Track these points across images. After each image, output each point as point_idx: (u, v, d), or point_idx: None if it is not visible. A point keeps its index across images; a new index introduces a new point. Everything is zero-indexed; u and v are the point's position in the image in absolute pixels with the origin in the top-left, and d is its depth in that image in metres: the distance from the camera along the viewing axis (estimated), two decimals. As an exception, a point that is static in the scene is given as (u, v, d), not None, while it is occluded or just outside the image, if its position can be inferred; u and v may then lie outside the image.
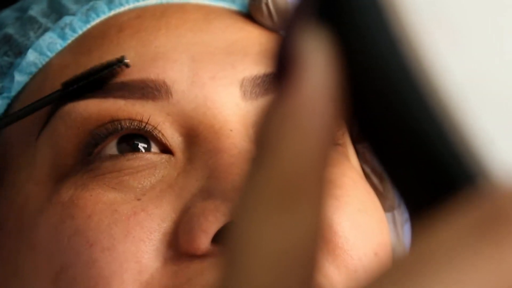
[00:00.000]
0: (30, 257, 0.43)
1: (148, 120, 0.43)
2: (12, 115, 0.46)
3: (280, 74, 0.22)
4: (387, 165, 0.22)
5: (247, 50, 0.46)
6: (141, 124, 0.43)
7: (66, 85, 0.45)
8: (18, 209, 0.45)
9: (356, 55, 0.22)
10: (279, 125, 0.22)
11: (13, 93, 0.48)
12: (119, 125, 0.43)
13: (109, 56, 0.45)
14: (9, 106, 0.48)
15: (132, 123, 0.43)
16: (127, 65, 0.44)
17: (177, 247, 0.40)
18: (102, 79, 0.44)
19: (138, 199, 0.41)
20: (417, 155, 0.21)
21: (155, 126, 0.43)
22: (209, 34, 0.46)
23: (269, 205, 0.22)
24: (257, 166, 0.22)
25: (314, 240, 0.22)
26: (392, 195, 0.49)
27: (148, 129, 0.43)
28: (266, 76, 0.45)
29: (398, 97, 0.21)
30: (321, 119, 0.22)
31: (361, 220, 0.44)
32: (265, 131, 0.22)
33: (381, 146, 0.22)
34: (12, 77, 0.48)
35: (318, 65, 0.22)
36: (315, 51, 0.22)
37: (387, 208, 0.50)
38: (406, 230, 0.53)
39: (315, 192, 0.22)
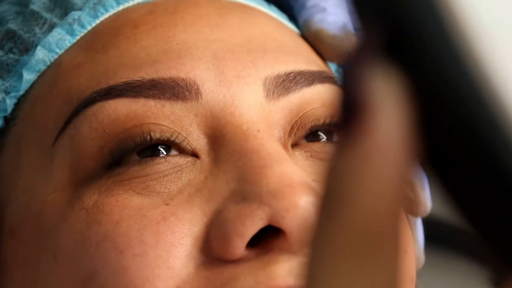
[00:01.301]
0: (53, 265, 0.42)
1: (175, 126, 0.42)
2: None
3: (348, 119, 0.21)
4: (468, 208, 0.21)
5: (265, 47, 0.45)
6: (173, 136, 0.42)
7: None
8: (35, 215, 0.43)
9: (430, 90, 0.21)
10: (352, 171, 0.21)
11: (22, 92, 0.46)
12: (148, 136, 0.42)
13: (129, 54, 0.44)
14: (16, 105, 0.47)
15: (162, 135, 0.42)
16: None
17: (210, 252, 0.39)
18: None
19: (167, 204, 0.40)
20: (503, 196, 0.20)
21: (180, 131, 0.42)
22: (225, 30, 0.45)
23: (347, 254, 0.21)
24: (332, 214, 0.21)
25: None
26: (424, 199, 0.49)
27: (175, 141, 0.42)
28: (287, 75, 0.44)
29: (478, 134, 0.20)
30: (397, 164, 0.21)
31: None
32: (336, 178, 0.21)
33: (463, 189, 0.21)
34: (20, 75, 0.46)
35: (390, 108, 0.21)
36: (385, 94, 0.21)
37: (420, 213, 0.50)
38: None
39: (393, 239, 0.21)
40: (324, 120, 0.45)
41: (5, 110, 0.46)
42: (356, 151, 0.21)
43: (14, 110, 0.46)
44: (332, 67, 0.51)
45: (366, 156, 0.21)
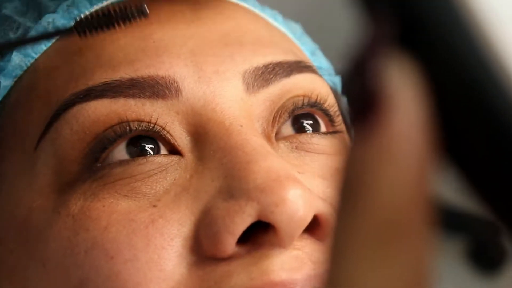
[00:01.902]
0: (42, 273, 0.41)
1: (157, 121, 0.42)
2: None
3: (365, 110, 0.21)
4: (487, 196, 0.21)
5: (241, 40, 0.45)
6: (150, 125, 0.42)
7: (79, 21, 0.40)
8: (19, 222, 0.43)
9: (447, 79, 0.21)
10: (372, 162, 0.21)
11: (0, 98, 0.46)
12: (128, 127, 0.41)
13: (106, 54, 0.43)
14: None
15: (141, 125, 0.41)
16: (145, 15, 0.40)
17: (201, 251, 0.39)
18: (117, 22, 0.40)
19: (154, 206, 0.40)
20: None
21: (163, 126, 0.42)
22: (201, 25, 0.45)
23: (370, 245, 0.21)
24: (353, 205, 0.21)
25: (419, 280, 0.21)
26: None
27: (156, 130, 0.42)
28: (265, 67, 0.44)
29: (498, 120, 0.20)
30: (417, 153, 0.21)
31: None
32: (357, 169, 0.21)
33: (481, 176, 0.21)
34: None
35: (407, 98, 0.21)
36: (401, 84, 0.21)
37: None
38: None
39: (416, 229, 0.21)
40: (303, 102, 0.45)
41: None
42: (375, 142, 0.21)
43: None
44: (308, 54, 0.51)
45: (386, 146, 0.21)
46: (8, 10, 0.48)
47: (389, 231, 0.21)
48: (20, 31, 0.46)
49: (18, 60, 0.46)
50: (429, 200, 0.21)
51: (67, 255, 0.40)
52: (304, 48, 0.51)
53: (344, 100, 0.52)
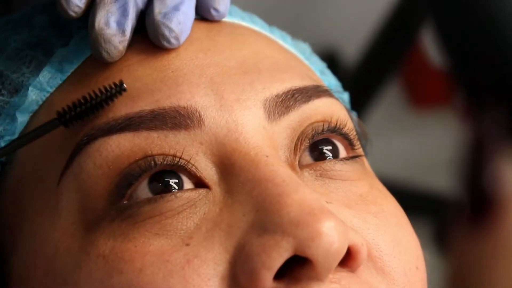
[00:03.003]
0: None
1: (182, 154, 0.41)
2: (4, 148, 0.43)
3: (480, 208, 0.21)
4: None
5: (259, 66, 0.44)
6: (175, 160, 0.41)
7: (62, 113, 0.42)
8: (45, 262, 0.42)
9: None
10: (490, 258, 0.21)
11: (16, 135, 0.45)
12: (153, 162, 0.41)
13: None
14: None
15: (166, 159, 0.41)
16: (125, 90, 0.41)
17: None
18: (100, 105, 0.41)
19: (187, 244, 0.39)
20: None
21: (188, 159, 0.41)
22: (218, 53, 0.45)
23: None
24: None
25: None
26: None
27: (181, 164, 0.41)
28: (285, 94, 0.44)
29: None
30: None
31: (400, 235, 0.43)
32: (472, 263, 0.21)
33: None
34: (13, 118, 0.45)
35: None
36: None
37: None
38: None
39: None
40: (323, 127, 0.45)
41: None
42: (493, 239, 0.21)
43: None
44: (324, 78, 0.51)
45: (503, 243, 0.21)
46: (17, 43, 0.46)
47: None
48: (33, 65, 0.45)
49: (34, 95, 0.45)
50: None
51: None
52: (314, 67, 0.51)
53: (353, 116, 0.52)
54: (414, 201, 1.66)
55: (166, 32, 0.43)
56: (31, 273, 0.42)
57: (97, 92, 0.42)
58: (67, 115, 0.42)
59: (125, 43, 0.44)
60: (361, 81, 1.48)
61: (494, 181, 0.21)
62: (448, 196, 1.76)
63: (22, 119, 0.45)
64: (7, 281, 0.44)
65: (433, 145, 1.93)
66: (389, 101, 1.88)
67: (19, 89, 0.45)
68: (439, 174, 1.88)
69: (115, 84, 0.41)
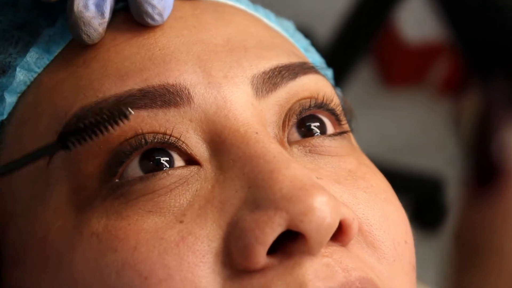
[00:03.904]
0: None
1: (172, 131, 0.41)
2: (6, 166, 0.42)
3: (489, 177, 0.22)
4: None
5: (245, 45, 0.45)
6: (165, 137, 0.41)
7: (63, 135, 0.40)
8: (38, 243, 0.42)
9: None
10: (498, 226, 0.21)
11: (5, 115, 0.45)
12: (143, 139, 0.41)
13: (112, 64, 0.43)
14: (0, 129, 0.45)
15: (156, 137, 0.41)
16: (127, 118, 0.40)
17: (233, 265, 0.39)
18: (105, 128, 0.40)
19: (181, 221, 0.40)
20: None
21: (179, 137, 0.41)
22: (204, 31, 0.45)
23: None
24: (481, 264, 0.22)
25: None
26: None
27: (171, 141, 0.41)
28: (272, 70, 0.44)
29: None
30: None
31: (388, 210, 0.44)
32: (481, 231, 0.22)
33: None
34: (1, 99, 0.45)
35: None
36: None
37: None
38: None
39: None
40: (310, 103, 0.45)
41: None
42: (502, 206, 0.21)
43: None
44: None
45: (509, 211, 0.21)
46: (3, 24, 0.46)
47: None
48: (20, 46, 0.45)
49: (22, 76, 0.44)
50: None
51: (96, 277, 0.39)
52: (298, 45, 0.51)
53: (338, 92, 0.52)
54: (387, 179, 1.67)
55: (149, 9, 0.43)
56: (24, 255, 0.42)
57: (104, 116, 0.40)
58: (68, 141, 0.40)
59: (105, 25, 0.44)
60: (334, 62, 1.48)
61: (501, 149, 0.21)
62: (421, 173, 1.78)
63: (10, 99, 0.45)
64: (0, 263, 0.44)
65: (406, 123, 1.95)
66: (362, 81, 1.89)
67: (6, 70, 0.45)
68: (413, 152, 1.90)
69: (121, 109, 0.40)
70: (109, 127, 0.40)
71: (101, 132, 0.40)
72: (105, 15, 0.43)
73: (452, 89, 2.03)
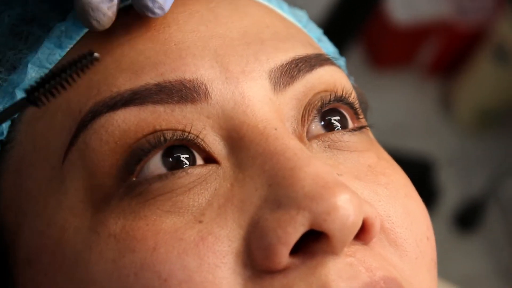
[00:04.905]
0: None
1: (191, 129, 0.40)
2: None
3: None
4: None
5: (261, 37, 0.44)
6: (184, 134, 0.40)
7: (32, 89, 0.37)
8: (53, 243, 0.41)
9: None
10: None
11: (17, 113, 0.43)
12: (162, 137, 0.40)
13: (126, 59, 0.42)
14: (11, 127, 0.44)
15: (175, 134, 0.40)
16: (97, 60, 0.37)
17: (254, 265, 0.38)
18: (71, 78, 0.37)
19: (200, 221, 0.39)
20: None
21: (197, 134, 0.40)
22: (219, 25, 0.43)
23: None
24: None
25: None
26: None
27: (190, 138, 0.40)
28: (289, 63, 0.43)
29: None
30: None
31: (410, 206, 0.43)
32: None
33: None
34: (12, 96, 0.43)
35: None
36: None
37: None
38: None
39: None
40: (330, 97, 0.44)
41: (2, 133, 0.43)
42: None
43: (9, 132, 0.43)
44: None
45: None
46: (11, 18, 0.45)
47: None
48: (30, 41, 0.44)
49: (34, 72, 0.43)
50: None
51: (114, 279, 0.38)
52: (312, 34, 0.51)
53: (351, 81, 0.51)
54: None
55: (149, 4, 0.42)
56: (39, 255, 0.41)
57: (66, 63, 0.37)
58: (36, 93, 0.37)
59: (114, 8, 0.42)
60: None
61: None
62: (410, 155, 1.78)
63: (21, 96, 0.43)
64: (11, 264, 0.43)
65: (395, 105, 1.95)
66: (351, 63, 1.89)
67: (17, 66, 0.44)
68: (402, 134, 1.89)
69: (84, 54, 0.37)
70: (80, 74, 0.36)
71: (69, 81, 0.37)
72: None
73: (441, 70, 2.03)
